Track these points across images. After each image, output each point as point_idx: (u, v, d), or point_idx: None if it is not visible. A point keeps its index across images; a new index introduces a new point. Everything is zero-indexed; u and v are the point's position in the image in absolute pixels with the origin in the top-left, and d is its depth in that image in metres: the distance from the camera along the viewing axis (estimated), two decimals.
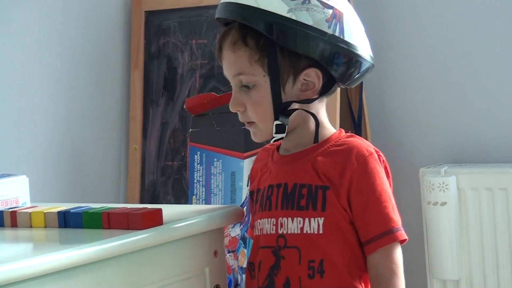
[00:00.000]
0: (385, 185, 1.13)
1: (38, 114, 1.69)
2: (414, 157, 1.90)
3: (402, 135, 1.93)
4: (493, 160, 1.84)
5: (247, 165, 1.70)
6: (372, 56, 1.16)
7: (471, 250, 1.75)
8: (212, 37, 1.83)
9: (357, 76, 1.14)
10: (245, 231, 1.70)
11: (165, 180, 1.85)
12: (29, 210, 1.13)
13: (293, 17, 1.09)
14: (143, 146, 1.87)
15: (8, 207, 1.21)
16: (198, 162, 1.74)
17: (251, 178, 1.20)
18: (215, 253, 1.18)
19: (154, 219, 1.06)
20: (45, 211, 1.12)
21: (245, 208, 1.69)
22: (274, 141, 1.13)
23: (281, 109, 1.11)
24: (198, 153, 1.74)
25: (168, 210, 1.15)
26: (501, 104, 1.84)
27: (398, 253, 1.13)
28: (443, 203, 1.74)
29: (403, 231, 1.13)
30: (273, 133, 1.12)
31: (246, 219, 1.70)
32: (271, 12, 1.10)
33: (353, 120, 1.82)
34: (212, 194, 1.73)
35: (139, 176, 1.86)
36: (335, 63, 1.11)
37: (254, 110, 1.13)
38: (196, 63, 1.84)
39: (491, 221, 1.73)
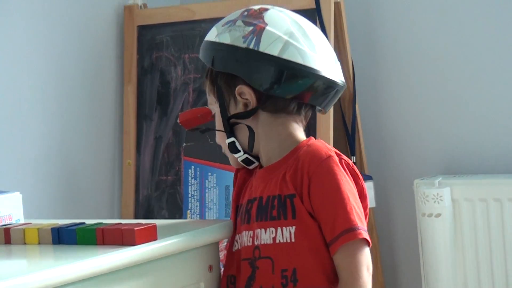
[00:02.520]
0: (344, 186, 1.12)
1: (31, 130, 1.68)
2: (408, 168, 1.90)
3: (396, 146, 1.93)
4: (487, 171, 1.84)
5: None
6: (319, 69, 1.15)
7: (466, 261, 1.75)
8: None
9: (300, 91, 1.15)
10: None
11: (159, 195, 1.84)
12: (23, 227, 1.13)
13: (217, 40, 1.18)
14: (137, 161, 1.86)
15: (1, 224, 1.20)
16: (192, 176, 1.74)
17: (234, 196, 1.23)
18: (210, 267, 1.17)
19: (148, 235, 1.06)
20: (38, 228, 1.11)
21: None
22: (242, 161, 1.19)
23: (229, 129, 1.18)
24: (192, 167, 1.74)
25: (163, 225, 1.15)
26: (495, 115, 1.84)
27: (361, 254, 1.11)
28: (438, 215, 1.74)
29: (363, 231, 1.11)
30: (229, 152, 1.19)
31: None
32: (208, 41, 1.20)
33: (346, 132, 1.82)
34: (206, 208, 1.73)
35: (133, 191, 1.86)
36: (255, 76, 1.15)
37: (217, 138, 1.22)
38: (189, 77, 1.84)
39: (485, 232, 1.73)
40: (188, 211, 1.74)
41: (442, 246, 1.73)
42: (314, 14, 1.73)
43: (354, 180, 1.14)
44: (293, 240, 1.11)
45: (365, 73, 1.92)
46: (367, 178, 1.81)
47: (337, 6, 1.75)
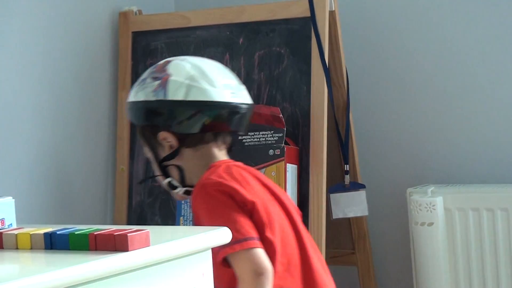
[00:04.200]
0: (216, 207, 1.28)
1: (24, 135, 1.68)
2: (401, 177, 1.91)
3: (389, 155, 1.93)
4: (480, 180, 1.85)
5: None
6: (220, 100, 1.35)
7: (459, 269, 1.75)
8: None
9: (209, 122, 1.36)
10: None
11: (152, 201, 1.84)
12: (15, 232, 1.13)
13: (135, 99, 1.39)
14: (130, 167, 1.86)
15: None
16: None
17: None
18: (203, 274, 1.17)
19: (141, 241, 1.06)
20: (31, 233, 1.11)
21: None
22: (184, 193, 1.40)
23: (164, 171, 1.40)
24: None
25: (156, 231, 1.15)
26: (488, 125, 1.85)
27: (240, 263, 1.26)
28: (430, 224, 1.74)
29: (237, 244, 1.25)
30: (170, 190, 1.41)
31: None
32: (129, 102, 1.40)
33: (340, 140, 1.82)
34: None
35: (126, 197, 1.85)
36: (170, 121, 1.35)
37: (160, 180, 1.42)
38: None
39: (477, 241, 1.74)
40: (181, 218, 1.73)
41: (435, 254, 1.74)
42: (309, 23, 1.73)
43: (240, 200, 1.29)
44: None
45: (359, 82, 1.92)
46: (360, 186, 1.82)
47: (331, 14, 1.75)
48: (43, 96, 1.72)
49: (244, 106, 1.38)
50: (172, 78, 1.36)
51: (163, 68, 1.38)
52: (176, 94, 1.35)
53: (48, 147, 1.73)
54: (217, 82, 1.36)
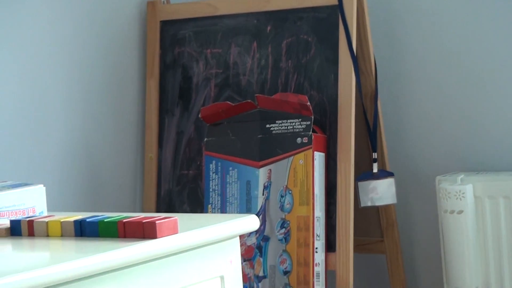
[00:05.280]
0: None
1: (55, 123, 1.70)
2: (430, 165, 1.89)
3: (418, 143, 1.92)
4: (510, 168, 1.83)
5: (262, 174, 1.71)
6: None
7: (488, 258, 1.74)
8: (227, 46, 1.84)
9: None
10: (261, 240, 1.71)
11: (180, 189, 1.85)
12: (46, 219, 1.14)
13: None
14: (159, 155, 1.87)
15: (25, 216, 1.22)
16: (214, 171, 1.75)
17: None
18: (231, 261, 1.18)
19: (169, 228, 1.07)
20: (61, 220, 1.12)
21: (260, 217, 1.69)
22: None
23: None
24: (214, 162, 1.75)
25: (184, 219, 1.15)
26: None
27: None
28: (460, 212, 1.73)
29: None
30: None
31: (262, 228, 1.70)
32: None
33: (368, 128, 1.82)
34: (227, 203, 1.74)
35: (155, 185, 1.87)
36: None
37: None
38: (211, 73, 1.85)
39: (508, 229, 1.72)
40: (209, 206, 1.75)
41: (464, 242, 1.72)
42: (336, 10, 1.73)
43: None
44: None
45: (387, 69, 1.91)
46: (389, 174, 1.81)
47: (359, 2, 1.74)
48: (72, 85, 1.74)
49: None
50: None
51: None
52: None
53: (78, 135, 1.75)
54: None
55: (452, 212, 1.74)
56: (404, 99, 1.93)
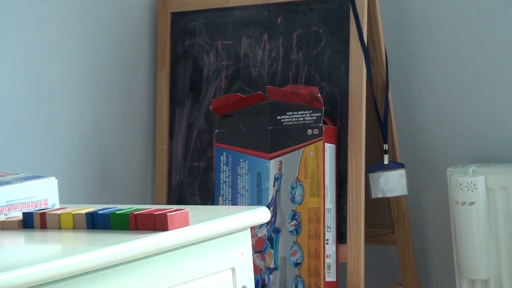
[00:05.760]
0: None
1: (66, 116, 1.70)
2: (442, 156, 1.89)
3: (429, 134, 1.91)
4: None
5: (273, 165, 1.71)
6: None
7: (500, 249, 1.73)
8: (237, 38, 1.84)
9: None
10: (272, 231, 1.71)
11: (191, 181, 1.86)
12: (58, 212, 1.15)
13: None
14: (169, 147, 1.88)
15: (37, 208, 1.22)
16: (224, 162, 1.75)
17: None
18: (242, 253, 1.18)
19: (180, 220, 1.07)
20: (73, 213, 1.13)
21: (271, 209, 1.70)
22: None
23: None
24: (224, 153, 1.75)
25: (195, 211, 1.16)
26: None
27: None
28: (471, 203, 1.73)
29: None
30: None
31: (273, 219, 1.70)
32: None
33: (379, 120, 1.81)
34: (238, 195, 1.74)
35: (166, 177, 1.87)
36: None
37: None
38: (222, 64, 1.85)
39: None
40: (220, 197, 1.75)
41: (476, 234, 1.72)
42: (347, 2, 1.72)
43: None
44: None
45: (398, 61, 1.91)
46: (400, 166, 1.81)
47: None
48: (83, 77, 1.75)
49: None
50: None
51: None
52: None
53: (89, 128, 1.75)
54: None
55: (463, 203, 1.73)
56: (415, 90, 1.92)
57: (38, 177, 1.26)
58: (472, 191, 1.73)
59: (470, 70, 1.87)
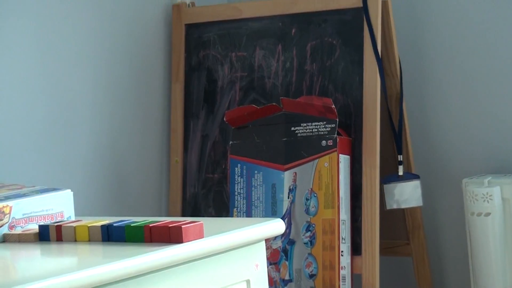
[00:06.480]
0: None
1: (82, 128, 1.71)
2: (457, 167, 1.88)
3: (444, 145, 1.91)
4: None
5: (287, 177, 1.71)
6: None
7: None
8: (251, 49, 1.84)
9: None
10: (287, 243, 1.71)
11: (206, 193, 1.86)
12: (74, 224, 1.15)
13: None
14: (184, 159, 1.88)
15: (53, 221, 1.23)
16: (239, 174, 1.75)
17: None
18: (257, 265, 1.18)
19: (195, 233, 1.07)
20: (89, 225, 1.14)
21: (286, 220, 1.69)
22: None
23: None
24: (239, 165, 1.75)
25: (209, 223, 1.16)
26: None
27: None
28: (487, 214, 1.72)
29: None
30: None
31: (287, 231, 1.70)
32: None
33: (393, 130, 1.81)
34: (253, 207, 1.74)
35: (181, 189, 1.87)
36: None
37: None
38: (236, 76, 1.85)
39: None
40: (235, 209, 1.75)
41: (492, 244, 1.71)
42: (361, 13, 1.72)
43: None
44: None
45: (412, 71, 1.90)
46: (414, 177, 1.80)
47: (384, 4, 1.74)
48: (98, 89, 1.76)
49: None
50: None
51: None
52: None
53: (104, 140, 1.76)
54: None
55: (479, 214, 1.73)
56: (429, 100, 1.92)
57: (54, 189, 1.27)
58: (488, 202, 1.72)
59: (485, 81, 1.87)
